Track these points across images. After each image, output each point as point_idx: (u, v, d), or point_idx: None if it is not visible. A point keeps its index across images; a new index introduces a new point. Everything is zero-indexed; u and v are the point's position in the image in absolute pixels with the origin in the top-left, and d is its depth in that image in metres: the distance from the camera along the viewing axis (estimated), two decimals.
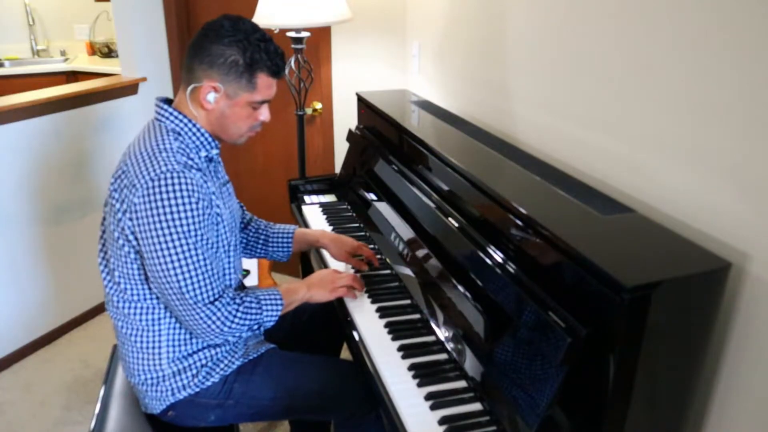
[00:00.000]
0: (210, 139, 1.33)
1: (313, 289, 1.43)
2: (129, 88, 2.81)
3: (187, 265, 1.21)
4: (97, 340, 2.64)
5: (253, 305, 1.31)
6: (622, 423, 0.99)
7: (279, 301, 1.35)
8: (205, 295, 1.23)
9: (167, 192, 1.18)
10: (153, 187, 1.18)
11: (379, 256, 1.69)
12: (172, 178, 1.19)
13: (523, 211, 1.17)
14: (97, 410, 1.43)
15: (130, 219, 1.21)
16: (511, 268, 1.17)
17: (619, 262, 0.97)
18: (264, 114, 1.34)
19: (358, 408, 1.41)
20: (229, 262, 1.38)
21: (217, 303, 1.25)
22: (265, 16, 2.06)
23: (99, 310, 2.83)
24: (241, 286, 1.52)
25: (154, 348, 1.32)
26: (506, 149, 1.57)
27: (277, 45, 1.31)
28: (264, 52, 1.27)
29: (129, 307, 1.31)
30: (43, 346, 2.59)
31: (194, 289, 1.22)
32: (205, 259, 1.23)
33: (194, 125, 1.30)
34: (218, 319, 1.25)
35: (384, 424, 1.21)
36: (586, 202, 1.20)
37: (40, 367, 2.48)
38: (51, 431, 2.13)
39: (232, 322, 1.27)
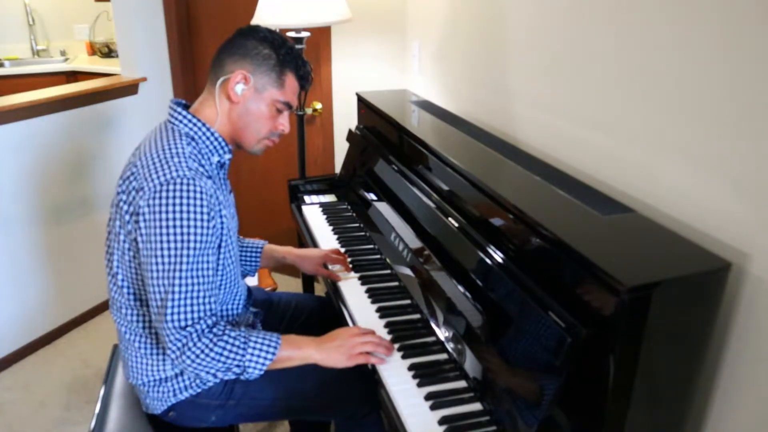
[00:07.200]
0: (224, 144, 1.31)
1: (325, 352, 1.28)
2: (129, 88, 2.81)
3: (175, 278, 1.16)
4: (97, 340, 2.64)
5: (237, 343, 1.20)
6: (622, 423, 0.99)
7: (273, 348, 1.23)
8: (179, 317, 1.16)
9: (174, 198, 1.15)
10: (161, 191, 1.15)
11: (379, 256, 1.69)
12: (181, 184, 1.15)
13: (523, 211, 1.17)
14: (97, 410, 1.43)
15: (136, 221, 1.19)
16: (511, 268, 1.17)
17: (619, 262, 0.97)
18: (284, 124, 1.35)
19: (358, 408, 1.40)
20: (234, 273, 1.37)
21: (189, 329, 1.17)
22: (265, 16, 2.06)
23: (99, 310, 2.83)
24: (248, 293, 1.52)
25: (158, 354, 1.32)
26: (506, 149, 1.57)
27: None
28: (296, 57, 1.32)
29: (132, 313, 1.30)
30: (43, 346, 2.59)
31: (172, 307, 1.16)
32: (194, 277, 1.17)
33: (208, 129, 1.28)
34: (184, 346, 1.16)
35: (384, 424, 1.21)
36: (586, 202, 1.20)
37: (40, 367, 2.48)
38: (51, 431, 2.14)
39: (202, 352, 1.17)
